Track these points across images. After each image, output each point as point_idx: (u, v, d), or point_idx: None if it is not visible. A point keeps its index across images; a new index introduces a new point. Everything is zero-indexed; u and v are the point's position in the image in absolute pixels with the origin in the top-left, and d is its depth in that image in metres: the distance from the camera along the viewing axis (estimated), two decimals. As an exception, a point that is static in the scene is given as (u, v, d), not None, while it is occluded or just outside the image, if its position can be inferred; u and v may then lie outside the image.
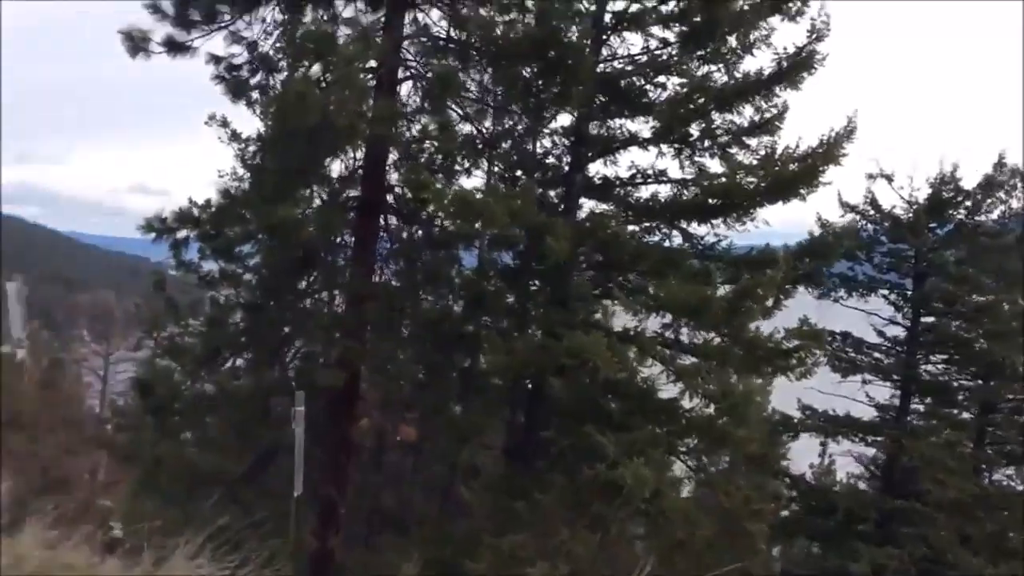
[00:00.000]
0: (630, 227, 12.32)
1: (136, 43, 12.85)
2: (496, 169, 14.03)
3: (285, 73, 13.40)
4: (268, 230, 11.87)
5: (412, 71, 12.72)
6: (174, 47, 13.03)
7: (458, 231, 12.33)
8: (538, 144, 13.84)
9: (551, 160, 13.73)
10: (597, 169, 13.33)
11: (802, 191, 12.23)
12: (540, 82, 12.50)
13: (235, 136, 17.76)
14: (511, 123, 13.83)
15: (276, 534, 7.93)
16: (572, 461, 11.29)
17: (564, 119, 13.20)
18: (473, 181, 13.68)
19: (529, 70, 12.39)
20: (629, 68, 12.73)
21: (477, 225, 11.74)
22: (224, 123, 17.69)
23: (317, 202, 13.17)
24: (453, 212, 11.43)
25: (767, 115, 12.55)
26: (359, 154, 13.28)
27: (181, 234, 13.25)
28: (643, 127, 12.76)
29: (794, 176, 12.07)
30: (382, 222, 13.53)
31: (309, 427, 13.54)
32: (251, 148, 17.14)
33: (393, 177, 13.58)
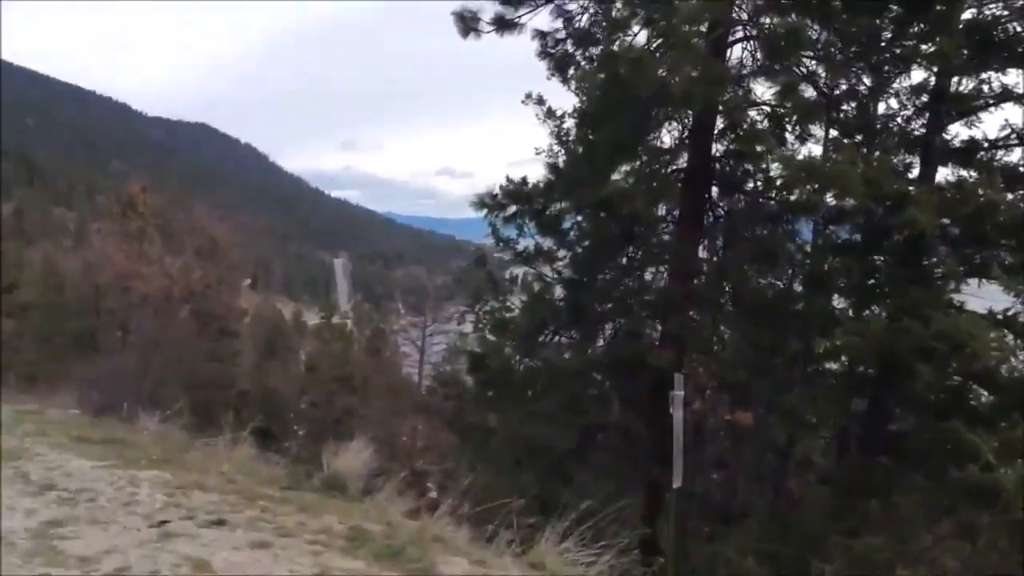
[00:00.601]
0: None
1: (467, 23, 13.21)
2: (834, 133, 12.82)
3: (601, 47, 13.21)
4: (598, 204, 11.63)
5: (745, 31, 11.91)
6: (503, 24, 13.24)
7: (797, 202, 11.33)
8: (880, 105, 12.51)
9: (898, 122, 12.33)
10: (956, 131, 11.74)
11: None
12: (892, 35, 11.20)
13: (550, 113, 17.98)
14: (852, 82, 12.55)
15: (615, 517, 7.64)
16: (932, 459, 9.97)
17: (916, 75, 11.77)
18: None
19: (881, 21, 11.12)
20: (1005, 13, 10.99)
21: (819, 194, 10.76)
22: (540, 101, 18.00)
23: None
24: (797, 180, 10.47)
25: None
26: (683, 123, 12.77)
27: (510, 210, 13.46)
28: (1020, 80, 11.00)
29: None
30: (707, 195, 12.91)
31: (631, 408, 13.35)
32: (566, 124, 17.27)
33: (718, 147, 12.92)
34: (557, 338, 13.32)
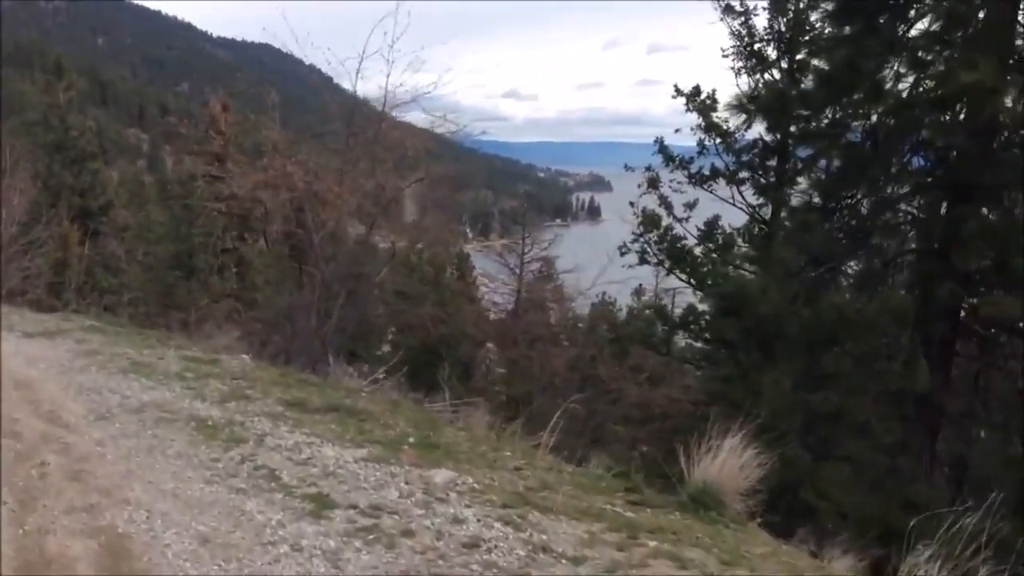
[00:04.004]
0: None
1: None
2: None
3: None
4: (937, 102, 8.73)
5: None
6: None
7: None
8: None
9: None
10: None
11: None
12: None
13: (728, 10, 15.83)
14: None
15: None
16: None
17: None
18: None
19: None
20: None
21: None
22: (721, -5, 15.80)
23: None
24: None
25: None
26: None
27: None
28: None
29: None
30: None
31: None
32: (752, 20, 15.08)
33: None
34: (831, 277, 10.58)
